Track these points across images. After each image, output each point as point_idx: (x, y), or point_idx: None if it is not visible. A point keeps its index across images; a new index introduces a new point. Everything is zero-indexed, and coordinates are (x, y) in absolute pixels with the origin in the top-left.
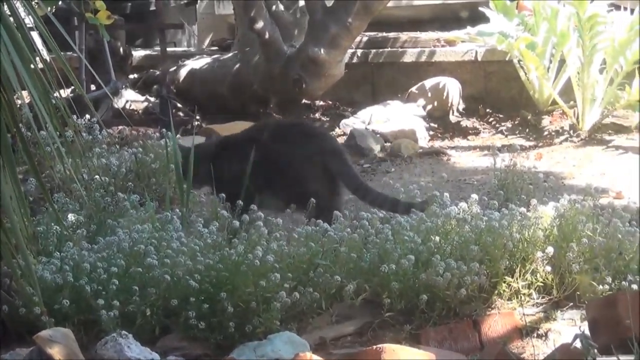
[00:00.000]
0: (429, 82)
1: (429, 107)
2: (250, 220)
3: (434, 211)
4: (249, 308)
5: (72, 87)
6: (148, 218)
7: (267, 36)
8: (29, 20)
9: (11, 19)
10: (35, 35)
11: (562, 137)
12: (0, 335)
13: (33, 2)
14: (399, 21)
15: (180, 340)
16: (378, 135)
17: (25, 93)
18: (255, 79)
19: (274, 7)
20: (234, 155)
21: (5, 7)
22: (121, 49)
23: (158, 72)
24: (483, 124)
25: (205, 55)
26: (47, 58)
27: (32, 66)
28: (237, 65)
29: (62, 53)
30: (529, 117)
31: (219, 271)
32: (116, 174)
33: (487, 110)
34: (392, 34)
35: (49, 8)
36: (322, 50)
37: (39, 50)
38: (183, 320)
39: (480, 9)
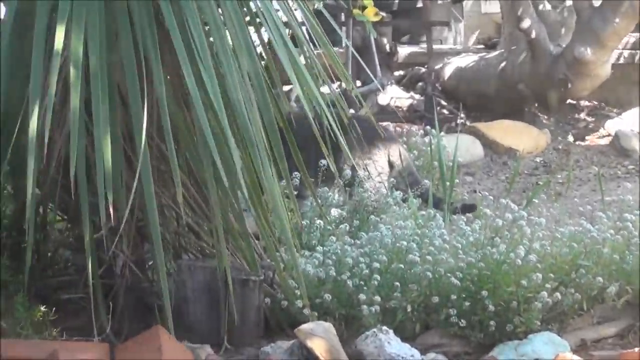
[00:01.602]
0: None
1: None
2: (513, 219)
3: None
4: (510, 307)
5: (339, 83)
6: (411, 214)
7: (533, 35)
8: (298, 15)
9: (280, 14)
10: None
11: None
12: (262, 328)
13: None
14: None
15: (441, 337)
16: None
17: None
18: (521, 78)
19: (541, 6)
20: None
21: (275, 4)
22: (387, 46)
23: (424, 70)
24: None
25: (471, 53)
26: (314, 53)
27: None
28: (503, 64)
29: (330, 48)
30: None
31: (480, 269)
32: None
33: None
34: None
35: (317, 3)
36: (588, 50)
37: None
38: (444, 317)
39: None
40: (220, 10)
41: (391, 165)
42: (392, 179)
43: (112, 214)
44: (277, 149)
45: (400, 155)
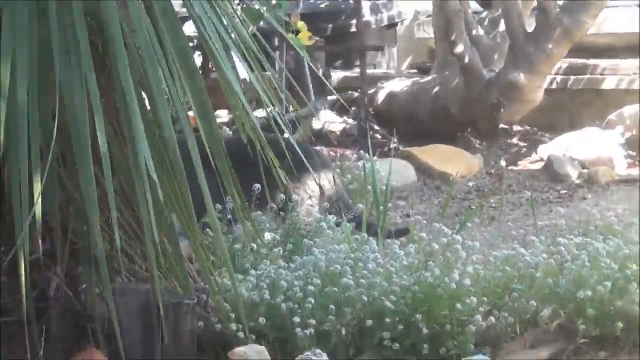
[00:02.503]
0: (628, 110)
1: (628, 134)
2: (447, 243)
3: (631, 238)
4: (444, 330)
5: (270, 108)
6: (344, 238)
7: (466, 60)
8: (230, 38)
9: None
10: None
11: None
12: (196, 351)
13: (235, 21)
14: (598, 48)
15: None
16: (576, 162)
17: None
18: (454, 103)
19: (474, 31)
20: None
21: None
22: (321, 71)
23: (357, 94)
24: None
25: (404, 78)
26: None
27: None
28: (436, 89)
29: (262, 72)
30: None
31: (414, 293)
32: (314, 194)
33: None
34: (591, 61)
35: (251, 27)
36: (521, 75)
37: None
38: (377, 341)
39: None
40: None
41: (322, 189)
42: (324, 203)
43: (43, 238)
44: (214, 173)
45: (332, 180)
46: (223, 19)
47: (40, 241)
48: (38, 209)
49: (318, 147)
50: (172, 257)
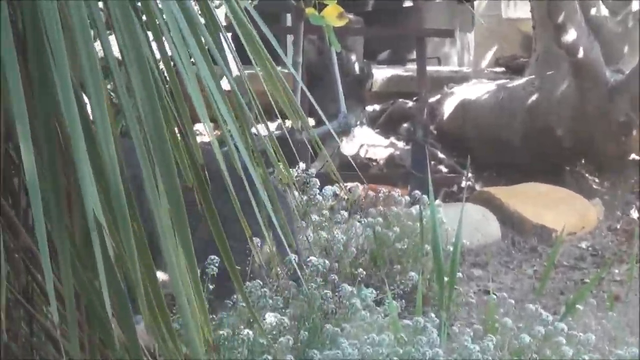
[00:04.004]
0: None
1: None
2: (545, 335)
3: None
4: None
5: (279, 121)
6: (388, 324)
7: (581, 54)
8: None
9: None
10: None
11: None
12: None
13: None
14: None
15: None
16: None
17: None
18: (561, 120)
19: (593, 9)
20: None
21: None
22: (356, 66)
23: (411, 103)
24: None
25: (484, 80)
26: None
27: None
28: (534, 97)
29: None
30: None
31: None
32: (341, 255)
33: None
34: None
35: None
36: None
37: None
38: None
39: None
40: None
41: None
42: (360, 270)
43: None
44: (180, 224)
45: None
46: None
47: None
48: None
49: (351, 184)
50: (125, 349)
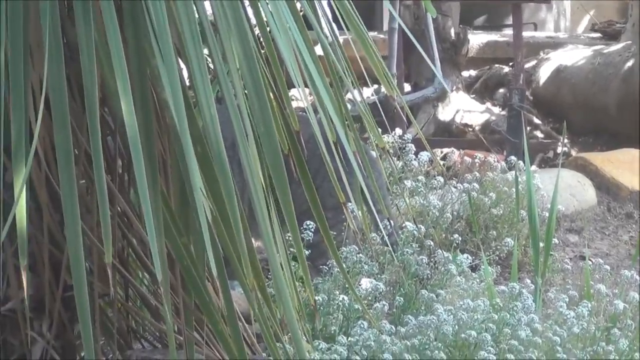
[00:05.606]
0: None
1: None
2: None
3: None
4: None
5: (376, 86)
6: (484, 290)
7: None
8: None
9: None
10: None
11: None
12: None
13: None
14: None
15: None
16: None
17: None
18: None
19: None
20: None
21: None
22: (453, 31)
23: (508, 69)
24: None
25: (580, 46)
26: (336, 40)
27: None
28: (629, 63)
29: (364, 32)
30: None
31: None
32: (437, 221)
33: None
34: None
35: None
36: None
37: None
38: None
39: None
40: None
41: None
42: (455, 236)
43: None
44: (281, 189)
45: None
46: None
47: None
48: (22, 226)
49: (446, 149)
50: (220, 314)
